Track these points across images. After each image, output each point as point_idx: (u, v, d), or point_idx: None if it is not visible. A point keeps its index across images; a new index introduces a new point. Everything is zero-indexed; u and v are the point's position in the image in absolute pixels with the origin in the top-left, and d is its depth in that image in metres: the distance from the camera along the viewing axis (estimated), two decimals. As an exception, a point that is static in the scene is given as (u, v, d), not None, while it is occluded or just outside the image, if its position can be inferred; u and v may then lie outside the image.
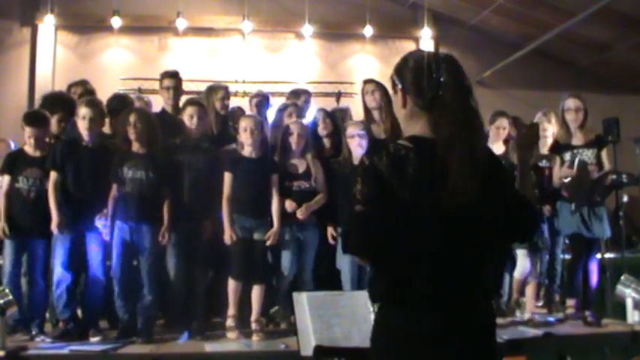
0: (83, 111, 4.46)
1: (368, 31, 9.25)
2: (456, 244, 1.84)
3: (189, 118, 4.69)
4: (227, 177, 4.49)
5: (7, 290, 4.07)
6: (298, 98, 5.77)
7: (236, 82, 8.71)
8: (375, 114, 4.99)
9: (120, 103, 5.11)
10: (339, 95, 8.93)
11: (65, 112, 4.80)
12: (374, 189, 1.87)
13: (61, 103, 4.92)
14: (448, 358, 1.85)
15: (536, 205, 2.06)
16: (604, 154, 4.93)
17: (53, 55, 8.98)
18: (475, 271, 1.88)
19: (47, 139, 4.61)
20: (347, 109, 5.95)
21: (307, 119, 5.51)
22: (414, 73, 1.98)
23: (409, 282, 1.85)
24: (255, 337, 4.27)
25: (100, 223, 4.29)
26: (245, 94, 8.25)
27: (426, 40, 9.51)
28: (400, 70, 2.03)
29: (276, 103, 6.13)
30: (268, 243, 4.44)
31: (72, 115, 4.78)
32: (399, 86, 2.03)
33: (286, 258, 4.61)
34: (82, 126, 4.44)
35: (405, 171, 1.84)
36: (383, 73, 9.05)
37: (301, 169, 4.70)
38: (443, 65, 1.95)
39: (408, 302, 1.86)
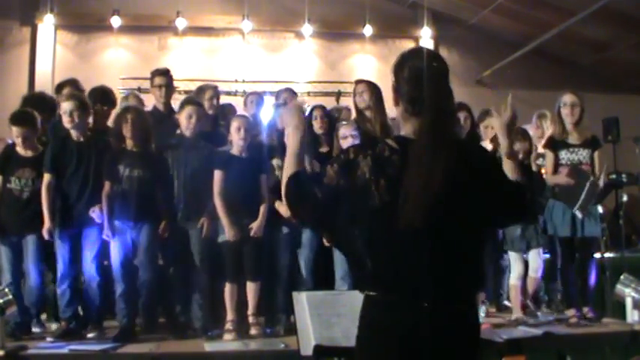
0: (65, 106, 4.43)
1: (368, 30, 9.26)
2: (431, 237, 1.89)
3: (187, 117, 4.67)
4: (217, 174, 4.47)
5: (7, 290, 4.06)
6: (279, 98, 5.75)
7: (236, 81, 8.73)
8: (367, 113, 5.01)
9: (100, 96, 5.00)
10: (338, 95, 8.93)
11: (46, 113, 4.73)
12: (345, 184, 1.93)
13: (41, 104, 4.85)
14: (426, 346, 1.87)
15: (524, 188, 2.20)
16: (596, 155, 4.93)
17: (53, 55, 8.98)
18: (455, 262, 1.92)
19: (36, 139, 4.55)
20: (346, 108, 5.94)
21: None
22: (408, 84, 2.03)
23: (386, 271, 1.92)
24: (253, 331, 4.29)
25: (94, 214, 4.28)
26: (245, 93, 8.25)
27: (425, 39, 9.51)
28: (397, 73, 2.07)
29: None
30: (252, 233, 4.42)
31: (53, 115, 4.76)
32: (394, 85, 2.08)
33: (284, 257, 4.61)
34: (67, 121, 4.41)
35: (385, 173, 1.90)
36: (382, 73, 9.09)
37: None
38: (434, 79, 1.99)
39: (387, 291, 1.90)
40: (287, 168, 2.12)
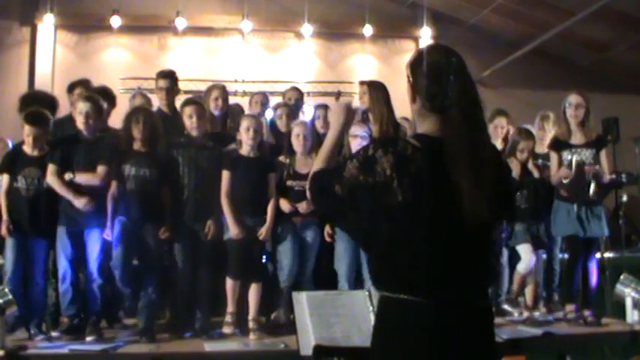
0: (81, 106, 4.46)
1: (367, 30, 9.26)
2: (455, 236, 1.86)
3: (188, 117, 4.69)
4: (225, 174, 4.50)
5: (6, 290, 4.06)
6: (284, 96, 5.89)
7: (235, 81, 8.73)
8: (370, 115, 5.03)
9: (102, 96, 4.92)
10: (338, 95, 8.94)
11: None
12: (365, 180, 1.91)
13: (41, 102, 4.84)
14: (449, 344, 1.85)
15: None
16: (603, 154, 4.93)
17: (53, 55, 8.99)
18: (473, 260, 1.90)
19: (45, 139, 4.58)
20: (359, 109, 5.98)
21: (307, 117, 5.54)
22: (426, 79, 1.98)
23: (407, 270, 1.88)
24: (252, 336, 4.28)
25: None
26: (245, 93, 8.27)
27: (425, 39, 9.50)
28: (414, 68, 2.03)
29: (275, 102, 6.14)
30: (261, 237, 4.45)
31: (54, 113, 4.75)
32: (411, 81, 2.03)
33: (286, 257, 4.60)
34: (81, 122, 4.43)
35: (408, 171, 1.86)
36: (382, 73, 9.11)
37: (306, 169, 4.69)
38: (454, 75, 1.95)
39: (408, 291, 1.87)
40: (317, 162, 2.17)
